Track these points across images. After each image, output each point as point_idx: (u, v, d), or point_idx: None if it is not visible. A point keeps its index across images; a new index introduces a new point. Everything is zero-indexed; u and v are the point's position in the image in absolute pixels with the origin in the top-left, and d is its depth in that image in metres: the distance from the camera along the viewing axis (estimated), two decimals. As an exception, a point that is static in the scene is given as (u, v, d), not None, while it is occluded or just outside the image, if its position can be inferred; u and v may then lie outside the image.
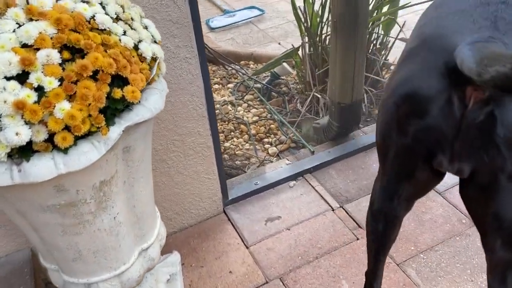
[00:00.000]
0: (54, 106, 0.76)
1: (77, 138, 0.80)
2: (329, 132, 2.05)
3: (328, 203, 1.76)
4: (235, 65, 3.09)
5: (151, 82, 0.96)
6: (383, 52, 2.58)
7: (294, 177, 1.88)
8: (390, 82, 0.89)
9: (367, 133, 2.09)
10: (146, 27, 1.00)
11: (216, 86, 2.98)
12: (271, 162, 2.39)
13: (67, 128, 0.78)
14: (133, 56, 0.90)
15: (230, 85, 2.97)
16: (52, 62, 0.78)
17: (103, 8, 0.89)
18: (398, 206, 0.99)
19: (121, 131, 0.87)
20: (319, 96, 2.47)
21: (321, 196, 1.79)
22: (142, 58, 0.93)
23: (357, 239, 1.62)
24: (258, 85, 2.89)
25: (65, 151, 0.79)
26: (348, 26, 1.77)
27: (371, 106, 2.61)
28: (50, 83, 0.77)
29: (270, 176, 1.87)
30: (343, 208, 1.74)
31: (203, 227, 1.72)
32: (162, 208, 1.61)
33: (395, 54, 2.63)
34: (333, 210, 1.74)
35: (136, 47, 0.92)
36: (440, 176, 0.91)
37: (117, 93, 0.84)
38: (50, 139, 0.78)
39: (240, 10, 3.95)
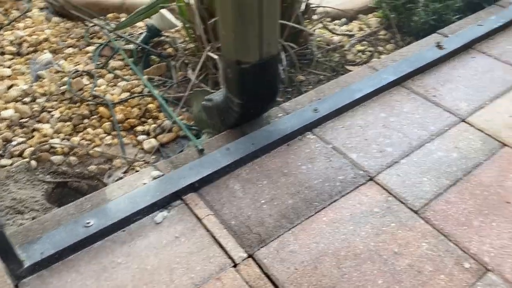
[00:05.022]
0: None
1: None
2: (227, 113, 1.23)
3: (226, 252, 0.95)
4: (99, 19, 2.14)
5: None
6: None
7: (164, 202, 1.04)
8: None
9: (290, 112, 1.30)
10: None
11: (70, 50, 2.02)
12: (146, 163, 1.53)
13: None
14: None
15: (91, 48, 2.02)
16: None
17: None
18: None
19: None
20: (215, 57, 1.63)
21: (214, 237, 0.98)
22: None
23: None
24: (131, 46, 1.98)
25: None
26: None
27: (293, 70, 1.82)
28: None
29: (115, 207, 1.01)
30: (253, 259, 0.94)
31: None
32: None
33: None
34: (235, 265, 0.93)
35: None
36: None
37: None
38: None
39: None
